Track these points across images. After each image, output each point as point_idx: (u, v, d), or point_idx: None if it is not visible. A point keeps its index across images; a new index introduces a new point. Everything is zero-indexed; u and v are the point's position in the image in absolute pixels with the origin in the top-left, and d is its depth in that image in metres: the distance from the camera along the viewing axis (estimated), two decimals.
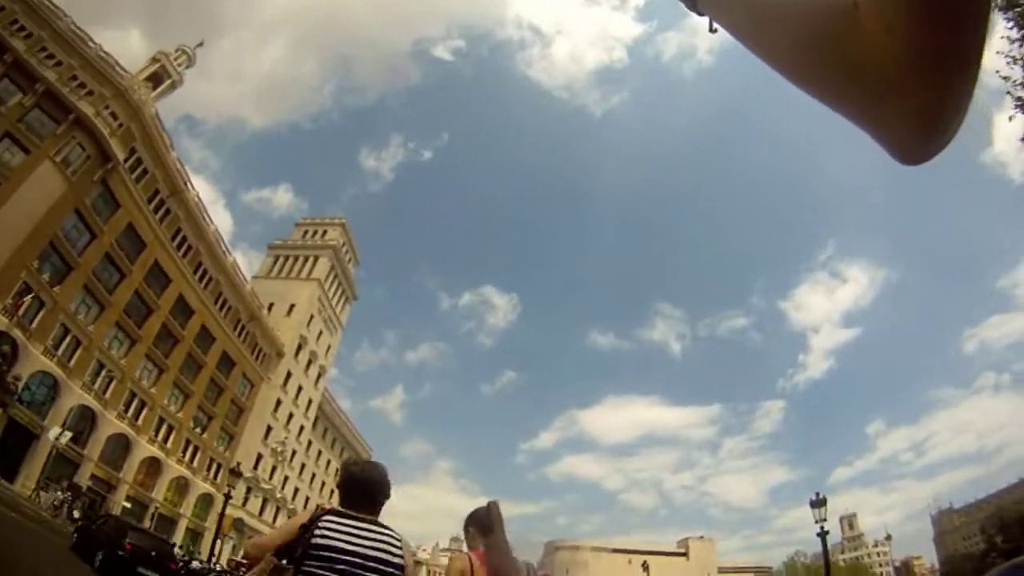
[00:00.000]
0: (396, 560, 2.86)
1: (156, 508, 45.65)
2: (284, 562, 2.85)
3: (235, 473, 31.03)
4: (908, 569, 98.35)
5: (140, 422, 44.58)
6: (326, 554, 2.67)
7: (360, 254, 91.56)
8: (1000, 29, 12.78)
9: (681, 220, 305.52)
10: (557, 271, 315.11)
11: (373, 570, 2.74)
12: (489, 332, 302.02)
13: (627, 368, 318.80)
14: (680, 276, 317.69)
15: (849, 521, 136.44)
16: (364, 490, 3.03)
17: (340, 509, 2.94)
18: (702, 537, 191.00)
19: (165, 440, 47.79)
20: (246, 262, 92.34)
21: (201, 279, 52.21)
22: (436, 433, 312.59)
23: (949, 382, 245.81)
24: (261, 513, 62.19)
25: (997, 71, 13.32)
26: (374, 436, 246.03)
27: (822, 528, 19.79)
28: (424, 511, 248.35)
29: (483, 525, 3.68)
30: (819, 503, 19.80)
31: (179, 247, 48.85)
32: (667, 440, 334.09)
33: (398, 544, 2.91)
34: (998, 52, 12.92)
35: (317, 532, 2.72)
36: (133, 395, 44.49)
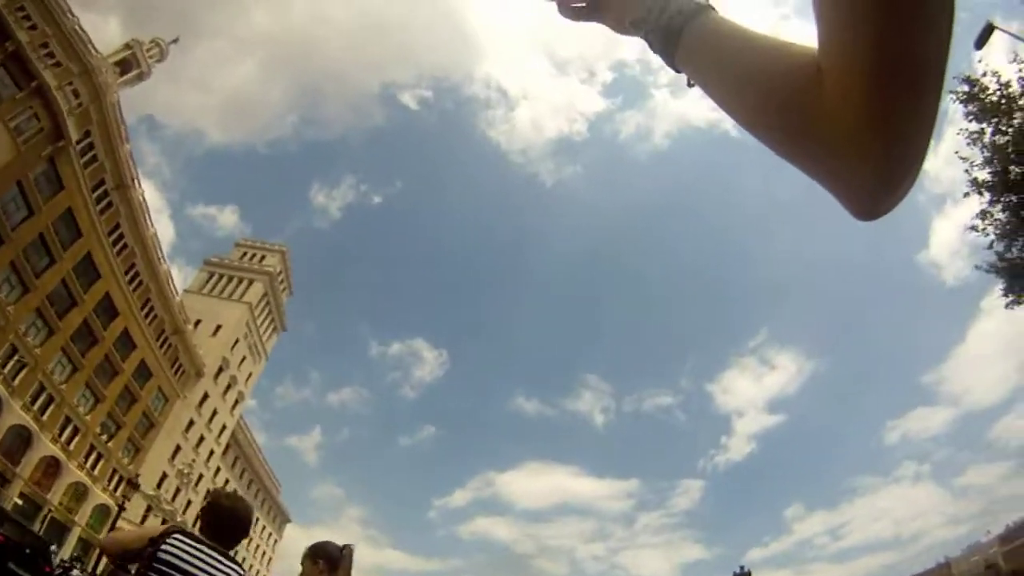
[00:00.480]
0: None
1: (50, 511, 43.25)
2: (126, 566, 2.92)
3: (132, 485, 30.45)
4: None
5: (46, 418, 42.69)
6: (167, 571, 2.70)
7: (295, 287, 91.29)
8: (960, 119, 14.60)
9: (619, 294, 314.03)
10: (491, 331, 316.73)
11: None
12: (415, 384, 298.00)
13: (549, 435, 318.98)
14: (612, 350, 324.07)
15: None
16: (227, 524, 3.09)
17: (194, 533, 3.02)
18: None
19: (69, 442, 45.69)
20: (180, 277, 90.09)
21: (131, 281, 51.25)
22: (349, 479, 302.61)
23: (869, 470, 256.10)
24: None
25: (956, 151, 15.17)
26: (287, 474, 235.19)
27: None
28: None
29: (333, 561, 3.70)
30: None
31: (115, 244, 48.17)
32: (582, 510, 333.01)
33: None
34: (959, 132, 14.62)
35: (164, 547, 2.76)
36: (42, 388, 42.75)
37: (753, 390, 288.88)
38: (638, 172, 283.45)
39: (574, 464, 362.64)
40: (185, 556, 2.77)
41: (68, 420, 45.61)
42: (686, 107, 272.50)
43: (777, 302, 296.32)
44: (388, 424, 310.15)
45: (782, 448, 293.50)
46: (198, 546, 2.86)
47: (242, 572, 3.02)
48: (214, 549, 2.92)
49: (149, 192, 65.54)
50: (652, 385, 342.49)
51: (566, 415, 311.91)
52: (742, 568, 18.94)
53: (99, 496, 49.52)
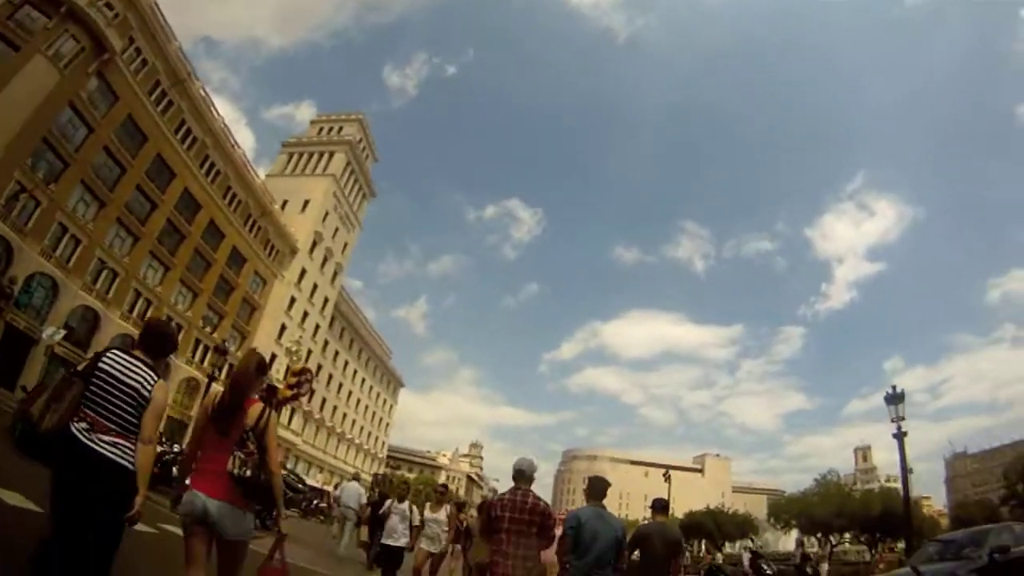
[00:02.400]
0: (145, 393, 3.77)
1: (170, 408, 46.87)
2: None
3: (220, 351, 30.07)
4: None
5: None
6: (99, 375, 3.70)
7: (385, 166, 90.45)
8: None
9: (712, 140, 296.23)
10: (584, 186, 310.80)
11: (125, 394, 3.70)
12: (514, 245, 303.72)
13: (651, 284, 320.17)
14: (708, 196, 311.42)
15: (864, 453, 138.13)
16: (151, 340, 4.06)
17: (126, 349, 3.97)
18: (718, 455, 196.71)
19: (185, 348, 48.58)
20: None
21: (208, 173, 51.12)
22: (459, 343, 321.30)
23: (969, 329, 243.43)
24: None
25: None
26: (398, 345, 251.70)
27: (899, 428, 16.58)
28: (447, 418, 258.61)
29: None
30: (896, 398, 16.86)
31: (183, 140, 47.46)
32: (687, 358, 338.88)
33: (152, 382, 3.81)
34: None
35: (104, 359, 3.78)
36: (138, 294, 44.74)
37: (852, 236, 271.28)
38: (719, 13, 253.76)
39: (677, 311, 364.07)
40: (115, 364, 3.75)
41: (169, 319, 47.75)
42: None
43: (874, 144, 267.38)
44: (492, 286, 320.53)
45: (882, 298, 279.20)
46: (127, 357, 3.83)
47: (153, 376, 3.83)
48: (136, 359, 3.85)
49: (221, 106, 64.34)
50: (751, 230, 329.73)
51: (666, 262, 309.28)
52: (895, 388, 16.89)
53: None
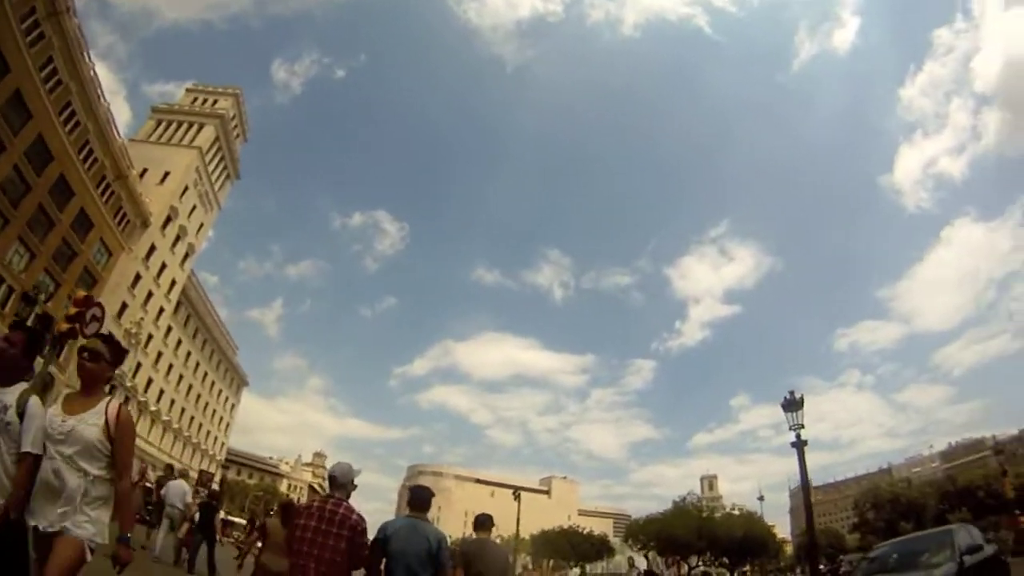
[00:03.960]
0: None
1: None
2: None
3: (29, 299, 26.33)
4: None
5: None
6: None
7: (257, 161, 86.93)
8: None
9: (584, 173, 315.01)
10: (454, 204, 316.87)
11: None
12: (376, 256, 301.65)
13: (508, 307, 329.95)
14: (575, 226, 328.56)
15: (710, 482, 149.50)
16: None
17: None
18: (565, 478, 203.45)
19: (2, 304, 42.98)
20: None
21: (67, 122, 46.03)
22: (311, 350, 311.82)
23: (816, 372, 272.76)
24: None
25: None
26: (248, 348, 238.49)
27: (798, 436, 15.57)
28: (293, 425, 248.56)
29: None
30: (794, 404, 15.78)
31: (46, 80, 42.56)
32: (538, 382, 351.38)
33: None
34: None
35: None
36: None
37: (711, 279, 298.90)
38: (608, 56, 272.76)
39: (531, 336, 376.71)
40: None
41: (1, 279, 42.39)
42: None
43: (741, 196, 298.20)
44: (350, 295, 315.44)
45: (734, 338, 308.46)
46: None
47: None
48: None
49: (102, 73, 58.55)
50: (612, 263, 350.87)
51: (526, 288, 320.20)
52: (792, 394, 16.05)
53: (37, 362, 47.30)
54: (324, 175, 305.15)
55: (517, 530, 59.77)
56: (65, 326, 13.44)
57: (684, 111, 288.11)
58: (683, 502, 63.32)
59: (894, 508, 59.15)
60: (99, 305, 14.60)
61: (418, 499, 5.77)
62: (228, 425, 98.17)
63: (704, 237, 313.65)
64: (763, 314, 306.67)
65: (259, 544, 9.03)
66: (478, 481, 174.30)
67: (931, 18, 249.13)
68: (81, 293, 15.43)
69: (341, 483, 5.28)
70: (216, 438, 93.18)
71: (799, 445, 15.61)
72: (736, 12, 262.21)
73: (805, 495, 16.78)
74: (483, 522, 6.89)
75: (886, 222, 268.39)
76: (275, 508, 11.19)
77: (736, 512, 60.16)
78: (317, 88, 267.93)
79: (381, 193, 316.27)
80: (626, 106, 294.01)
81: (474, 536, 6.85)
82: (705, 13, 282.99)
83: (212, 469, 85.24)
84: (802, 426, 15.67)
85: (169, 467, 21.23)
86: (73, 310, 13.61)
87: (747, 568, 52.14)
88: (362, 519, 5.12)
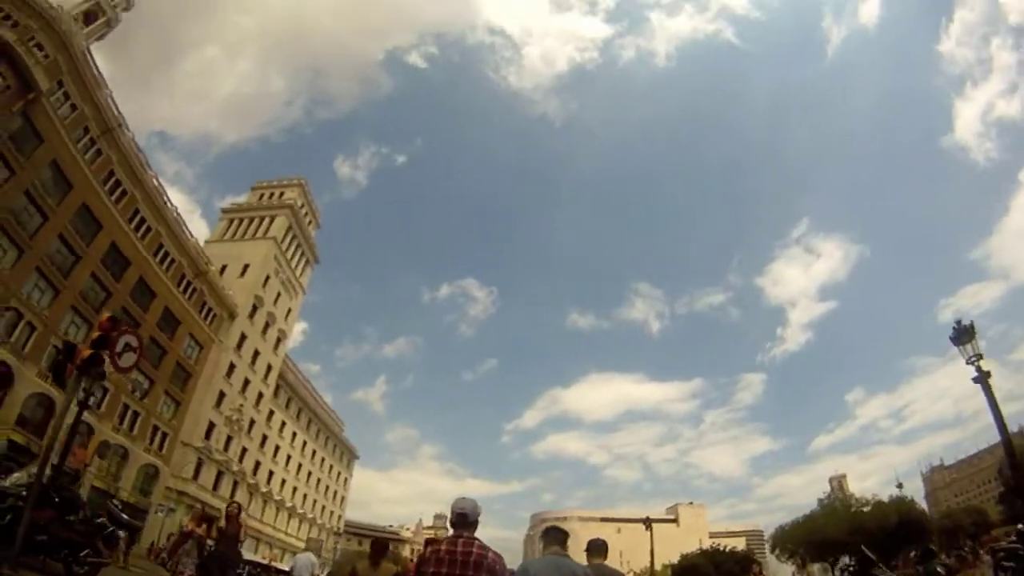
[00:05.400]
0: None
1: (91, 477, 43.87)
2: None
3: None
4: None
5: None
6: None
7: (338, 255, 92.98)
8: None
9: (651, 205, 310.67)
10: (535, 259, 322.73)
11: None
12: (470, 322, 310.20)
13: (608, 346, 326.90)
14: (657, 256, 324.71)
15: (839, 482, 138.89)
16: None
17: None
18: (691, 503, 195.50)
19: (98, 405, 45.88)
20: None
21: (138, 228, 49.91)
22: (420, 420, 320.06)
23: (926, 351, 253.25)
24: (216, 487, 60.79)
25: None
26: (359, 426, 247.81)
27: (978, 369, 13.25)
28: (410, 494, 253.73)
29: None
30: (965, 334, 13.56)
31: (111, 192, 46.54)
32: (649, 415, 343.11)
33: None
34: None
35: None
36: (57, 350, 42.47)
37: (802, 279, 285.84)
38: (649, 91, 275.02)
39: (636, 371, 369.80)
40: None
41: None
42: (684, 24, 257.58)
43: (812, 192, 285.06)
44: (450, 363, 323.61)
45: (837, 334, 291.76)
46: None
47: None
48: None
49: (176, 198, 65.00)
50: (702, 284, 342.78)
51: (621, 325, 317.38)
52: (959, 323, 13.60)
53: (142, 456, 50.15)
54: (404, 255, 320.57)
55: (652, 560, 57.30)
56: (87, 352, 10.29)
57: (733, 123, 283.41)
58: (829, 499, 59.36)
59: None
60: (134, 333, 11.84)
61: (555, 537, 5.40)
62: (343, 498, 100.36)
63: (788, 239, 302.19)
64: (861, 303, 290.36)
65: None
66: (603, 520, 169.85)
67: None
68: (106, 314, 11.93)
69: (472, 520, 4.58)
70: (332, 512, 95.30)
71: (982, 378, 13.35)
72: (760, 16, 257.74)
73: (1001, 431, 13.83)
74: (598, 547, 6.53)
75: (960, 181, 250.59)
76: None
77: (886, 500, 54.97)
78: (381, 176, 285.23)
79: (464, 263, 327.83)
80: (677, 132, 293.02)
81: (590, 563, 6.30)
82: (730, 25, 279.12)
83: (332, 541, 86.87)
84: (981, 356, 13.37)
85: (202, 510, 21.32)
86: (96, 333, 10.70)
87: (898, 561, 46.75)
88: (499, 557, 4.43)
